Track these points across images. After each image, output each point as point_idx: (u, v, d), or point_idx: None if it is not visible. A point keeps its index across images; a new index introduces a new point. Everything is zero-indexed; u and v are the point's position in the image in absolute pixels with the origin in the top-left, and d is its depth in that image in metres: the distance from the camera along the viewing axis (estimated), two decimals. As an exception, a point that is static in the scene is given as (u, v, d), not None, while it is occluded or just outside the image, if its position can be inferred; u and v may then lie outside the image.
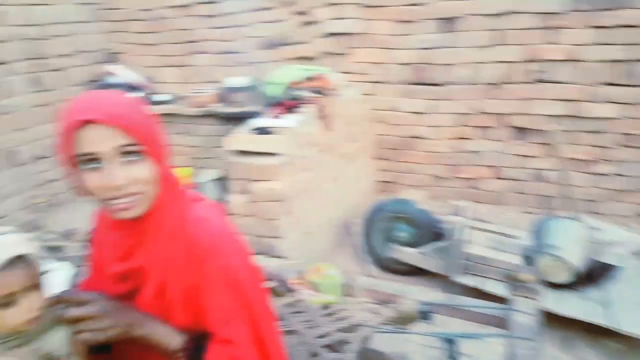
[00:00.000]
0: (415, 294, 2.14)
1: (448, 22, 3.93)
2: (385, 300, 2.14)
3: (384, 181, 4.61)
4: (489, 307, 2.01)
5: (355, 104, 4.09)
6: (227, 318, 1.05)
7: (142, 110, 0.98)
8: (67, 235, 2.67)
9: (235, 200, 3.06)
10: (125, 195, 0.94)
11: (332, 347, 1.88)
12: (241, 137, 3.03)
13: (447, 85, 4.05)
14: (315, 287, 2.26)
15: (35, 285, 0.95)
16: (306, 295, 2.19)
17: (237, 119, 4.32)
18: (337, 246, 3.66)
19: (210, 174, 4.54)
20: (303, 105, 3.39)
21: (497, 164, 4.12)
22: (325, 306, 2.14)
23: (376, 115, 4.37)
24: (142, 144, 0.94)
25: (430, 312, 2.02)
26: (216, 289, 1.04)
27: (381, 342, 2.36)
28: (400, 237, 3.28)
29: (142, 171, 0.95)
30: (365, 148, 4.32)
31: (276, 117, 3.25)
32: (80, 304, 1.00)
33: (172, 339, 1.04)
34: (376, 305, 2.11)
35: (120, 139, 0.91)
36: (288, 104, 3.40)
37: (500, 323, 1.96)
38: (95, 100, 0.94)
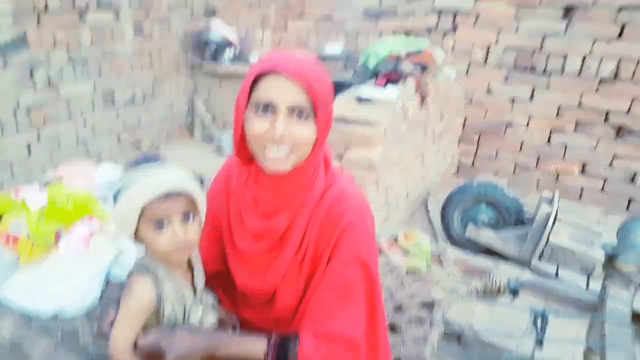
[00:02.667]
0: (504, 270, 2.18)
1: (569, 11, 3.79)
2: (473, 272, 2.19)
3: (465, 164, 4.57)
4: (581, 291, 2.01)
5: (452, 84, 4.06)
6: (342, 311, 1.05)
7: (324, 77, 1.01)
8: None
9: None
10: (283, 147, 0.98)
11: (420, 307, 1.96)
12: (342, 104, 3.11)
13: (553, 74, 3.93)
14: (405, 252, 2.34)
15: (190, 216, 0.99)
16: (396, 258, 2.27)
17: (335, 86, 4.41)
18: (412, 221, 3.71)
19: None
20: (404, 79, 3.42)
21: (587, 161, 3.99)
22: (414, 271, 2.23)
23: (470, 97, 4.32)
24: (315, 107, 0.97)
25: (518, 288, 2.06)
26: (339, 278, 1.05)
27: (464, 313, 2.42)
28: (481, 219, 3.28)
29: (306, 131, 0.98)
30: (453, 129, 4.30)
31: (377, 87, 3.30)
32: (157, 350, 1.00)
33: (254, 347, 1.05)
34: (464, 277, 2.16)
35: (298, 96, 0.95)
36: (389, 76, 3.43)
37: (590, 309, 1.96)
38: (287, 56, 0.98)
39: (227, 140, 4.78)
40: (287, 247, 1.10)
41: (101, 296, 1.88)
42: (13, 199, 2.06)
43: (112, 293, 1.15)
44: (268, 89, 0.96)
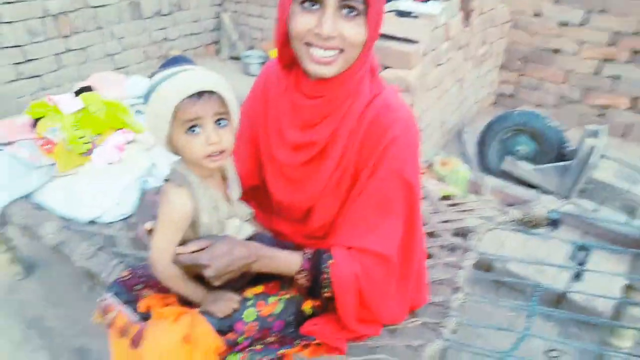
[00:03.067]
0: (544, 201, 2.11)
1: None
2: (512, 202, 2.13)
3: (505, 94, 4.37)
4: (625, 225, 1.94)
5: (498, 2, 3.78)
6: (378, 227, 1.02)
7: None
8: None
9: (361, 84, 3.04)
10: (329, 47, 0.90)
11: (455, 234, 1.93)
12: (379, 19, 2.92)
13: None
14: (441, 178, 2.28)
15: (222, 119, 0.94)
16: (431, 184, 2.22)
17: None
18: (446, 150, 3.61)
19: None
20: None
21: (638, 95, 3.75)
22: (449, 197, 2.17)
23: (516, 20, 4.03)
24: (367, 3, 0.87)
25: (559, 219, 2.00)
26: (379, 194, 1.01)
27: (498, 243, 2.40)
28: (519, 151, 3.17)
29: (355, 31, 0.89)
30: (495, 54, 4.06)
31: (419, 1, 3.07)
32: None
33: (290, 263, 1.05)
34: (502, 206, 2.10)
35: None
36: (431, -10, 3.18)
37: (634, 245, 1.90)
38: None
39: (254, 59, 4.64)
40: (327, 159, 1.05)
41: (137, 205, 1.90)
42: (48, 104, 2.04)
43: (148, 202, 1.15)
44: None
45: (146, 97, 0.94)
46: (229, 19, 4.93)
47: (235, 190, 1.08)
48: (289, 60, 1.02)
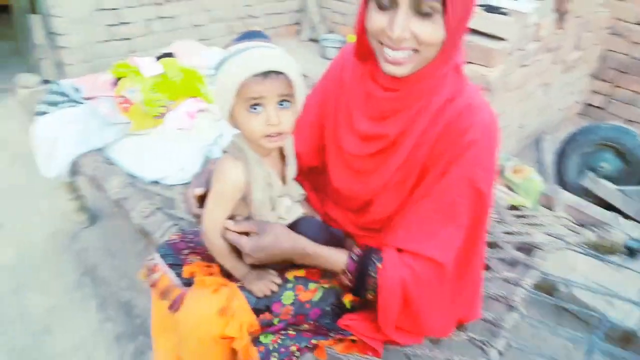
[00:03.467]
0: (623, 226, 1.93)
1: None
2: (587, 223, 1.96)
3: (594, 104, 4.05)
4: None
5: (598, 6, 3.48)
6: (437, 232, 0.95)
7: None
8: None
9: (438, 78, 2.92)
10: (402, 49, 0.85)
11: (519, 248, 1.81)
12: (467, 11, 2.77)
13: None
14: (511, 186, 2.15)
15: (286, 101, 0.92)
16: (499, 191, 2.10)
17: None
18: (521, 157, 3.41)
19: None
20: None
21: None
22: (517, 208, 2.04)
23: (616, 26, 3.70)
24: (443, 3, 0.80)
25: (638, 249, 1.82)
26: (445, 198, 0.94)
27: (565, 265, 2.23)
28: (602, 168, 2.92)
29: (430, 30, 0.83)
30: (587, 61, 3.76)
31: (510, -2, 2.89)
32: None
33: (336, 262, 1.01)
34: (576, 225, 1.95)
35: None
36: (526, -13, 2.98)
37: None
38: None
39: (332, 43, 4.60)
40: (396, 153, 1.00)
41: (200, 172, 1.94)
42: (130, 65, 2.12)
43: (205, 170, 1.15)
44: None
45: (217, 68, 0.94)
46: (313, 1, 4.91)
47: (292, 170, 1.07)
48: (367, 51, 0.97)
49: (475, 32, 2.72)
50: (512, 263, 1.67)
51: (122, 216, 1.67)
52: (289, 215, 1.06)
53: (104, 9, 3.64)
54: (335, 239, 1.12)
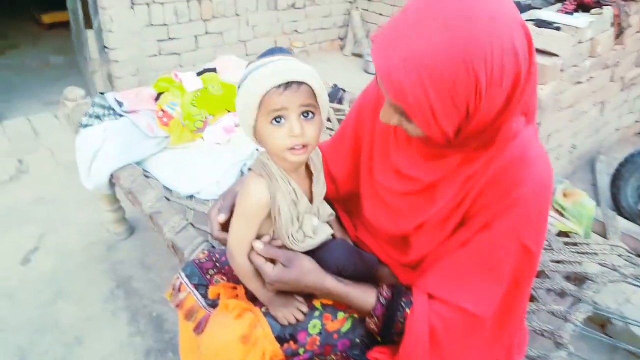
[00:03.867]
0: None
1: None
2: (646, 253, 1.80)
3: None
4: None
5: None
6: (474, 283, 0.87)
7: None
8: None
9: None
10: None
11: (569, 278, 1.68)
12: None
13: None
14: (560, 211, 2.01)
15: (309, 112, 0.88)
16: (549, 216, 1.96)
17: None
18: (573, 179, 3.22)
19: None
20: (600, 5, 2.81)
21: None
22: (567, 234, 1.91)
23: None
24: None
25: None
26: (488, 252, 0.86)
27: (619, 298, 2.06)
28: (664, 194, 2.71)
29: None
30: (650, 78, 3.53)
31: (563, 12, 2.76)
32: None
33: (363, 304, 0.94)
34: (632, 255, 1.79)
35: None
36: (580, 0, 2.84)
37: None
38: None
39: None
40: (435, 197, 0.91)
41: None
42: (173, 80, 2.15)
43: (231, 190, 1.12)
44: None
45: (239, 85, 0.91)
46: (358, 16, 4.91)
47: (320, 188, 1.02)
48: None
49: None
50: (561, 294, 1.55)
51: (157, 230, 1.67)
52: (317, 235, 1.01)
53: (154, 25, 3.76)
54: (367, 265, 1.06)
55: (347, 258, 1.02)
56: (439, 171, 0.90)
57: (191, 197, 1.87)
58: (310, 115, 0.89)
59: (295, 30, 4.70)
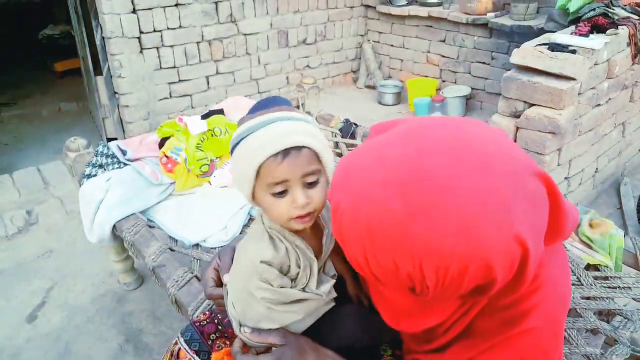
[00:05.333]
0: None
1: None
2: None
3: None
4: None
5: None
6: None
7: None
8: (325, 118, 2.66)
9: (499, 122, 2.73)
10: None
11: (600, 314, 1.56)
12: (527, 50, 2.59)
13: None
14: (588, 242, 1.89)
15: (314, 178, 0.81)
16: (575, 248, 1.84)
17: (515, 33, 3.82)
18: (597, 204, 3.07)
19: (458, 90, 4.24)
20: (615, 26, 2.73)
21: None
22: (597, 268, 1.78)
23: None
24: None
25: None
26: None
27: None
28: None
29: None
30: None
31: (577, 34, 2.68)
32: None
33: None
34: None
35: None
36: (595, 21, 2.77)
37: None
38: None
39: (389, 89, 4.53)
40: (441, 304, 0.78)
41: (241, 232, 1.87)
42: (178, 124, 2.13)
43: (228, 248, 1.05)
44: None
45: (232, 149, 0.84)
46: (370, 49, 4.91)
47: (329, 243, 0.93)
48: None
49: (540, 72, 2.53)
50: (595, 333, 1.43)
51: (161, 284, 1.60)
52: (326, 296, 0.91)
53: (164, 68, 3.80)
54: (381, 333, 0.96)
55: (354, 334, 0.93)
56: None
57: (197, 246, 1.81)
58: (314, 180, 0.81)
59: (307, 66, 4.72)
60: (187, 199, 2.00)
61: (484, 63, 4.17)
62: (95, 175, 1.99)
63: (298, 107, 4.00)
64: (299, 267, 0.85)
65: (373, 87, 4.83)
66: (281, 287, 0.84)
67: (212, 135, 2.15)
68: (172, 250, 1.73)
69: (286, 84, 4.66)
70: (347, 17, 4.86)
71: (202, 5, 3.83)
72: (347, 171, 0.66)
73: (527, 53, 2.58)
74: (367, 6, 4.89)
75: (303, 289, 0.87)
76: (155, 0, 3.57)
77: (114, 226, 1.85)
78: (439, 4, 4.39)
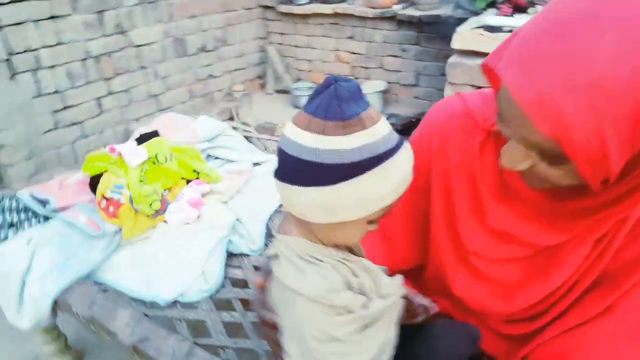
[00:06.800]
0: None
1: None
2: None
3: None
4: None
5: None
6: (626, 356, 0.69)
7: None
8: (266, 128, 2.39)
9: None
10: None
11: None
12: (467, 35, 2.54)
13: None
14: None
15: None
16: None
17: (424, 24, 3.83)
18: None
19: (374, 86, 4.19)
20: (533, 5, 2.82)
21: None
22: None
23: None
24: None
25: None
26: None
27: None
28: None
29: None
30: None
31: (505, 15, 2.71)
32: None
33: None
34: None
35: None
36: (514, 2, 2.83)
37: None
38: None
39: (303, 91, 4.33)
40: (558, 264, 0.72)
41: (225, 276, 1.50)
42: (110, 156, 1.67)
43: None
44: None
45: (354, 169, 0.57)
46: (275, 51, 4.66)
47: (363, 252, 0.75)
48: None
49: (484, 54, 2.48)
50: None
51: (115, 347, 1.18)
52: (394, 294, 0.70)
53: (46, 94, 3.16)
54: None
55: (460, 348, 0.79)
56: (561, 233, 0.70)
57: (175, 303, 1.40)
58: None
59: (211, 75, 4.32)
60: (143, 247, 1.57)
61: (395, 56, 4.14)
62: (6, 239, 1.47)
63: (232, 118, 3.62)
64: (357, 275, 0.65)
65: (285, 92, 4.60)
66: (364, 307, 0.64)
67: (153, 164, 1.73)
68: (147, 316, 1.31)
69: (189, 97, 4.22)
70: (245, 19, 4.56)
71: (83, 16, 3.26)
72: (521, 59, 0.54)
73: (468, 37, 2.53)
74: (266, 7, 4.63)
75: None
76: (24, 13, 2.94)
77: (56, 302, 1.36)
78: (342, 0, 4.27)
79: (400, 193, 0.59)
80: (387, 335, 0.67)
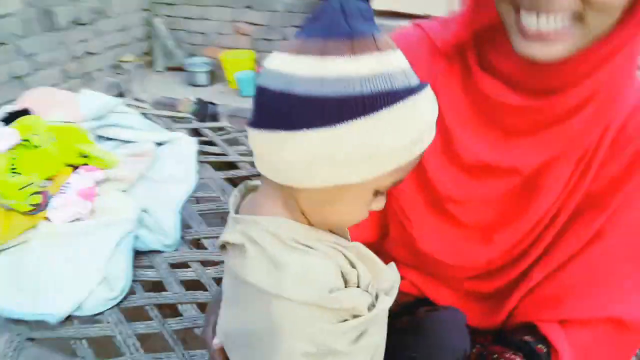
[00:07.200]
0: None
1: None
2: None
3: None
4: None
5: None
6: (617, 284, 0.67)
7: None
8: (166, 104, 2.12)
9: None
10: (554, 11, 0.53)
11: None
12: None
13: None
14: None
15: None
16: None
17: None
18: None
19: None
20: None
21: None
22: None
23: None
24: None
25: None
26: (629, 236, 0.65)
27: None
28: None
29: None
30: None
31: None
32: None
33: None
34: None
35: None
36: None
37: None
38: None
39: (200, 67, 4.01)
40: (543, 188, 0.66)
41: (134, 279, 1.25)
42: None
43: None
44: None
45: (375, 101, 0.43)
46: (162, 25, 4.24)
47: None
48: (486, 26, 0.64)
49: (404, 15, 2.42)
50: None
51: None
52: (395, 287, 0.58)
53: None
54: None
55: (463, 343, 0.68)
56: (542, 149, 0.65)
57: (69, 319, 1.13)
58: None
59: (88, 52, 3.81)
60: (20, 254, 1.25)
61: (299, 27, 3.98)
62: None
63: (121, 94, 3.19)
64: (354, 266, 0.51)
65: (178, 69, 4.23)
66: (372, 306, 0.51)
67: (27, 148, 1.40)
68: (32, 340, 1.03)
69: (63, 79, 3.70)
70: (125, -13, 4.09)
71: None
72: None
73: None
74: (149, -27, 4.20)
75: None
76: None
77: None
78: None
79: (417, 154, 0.46)
80: (381, 338, 0.54)
